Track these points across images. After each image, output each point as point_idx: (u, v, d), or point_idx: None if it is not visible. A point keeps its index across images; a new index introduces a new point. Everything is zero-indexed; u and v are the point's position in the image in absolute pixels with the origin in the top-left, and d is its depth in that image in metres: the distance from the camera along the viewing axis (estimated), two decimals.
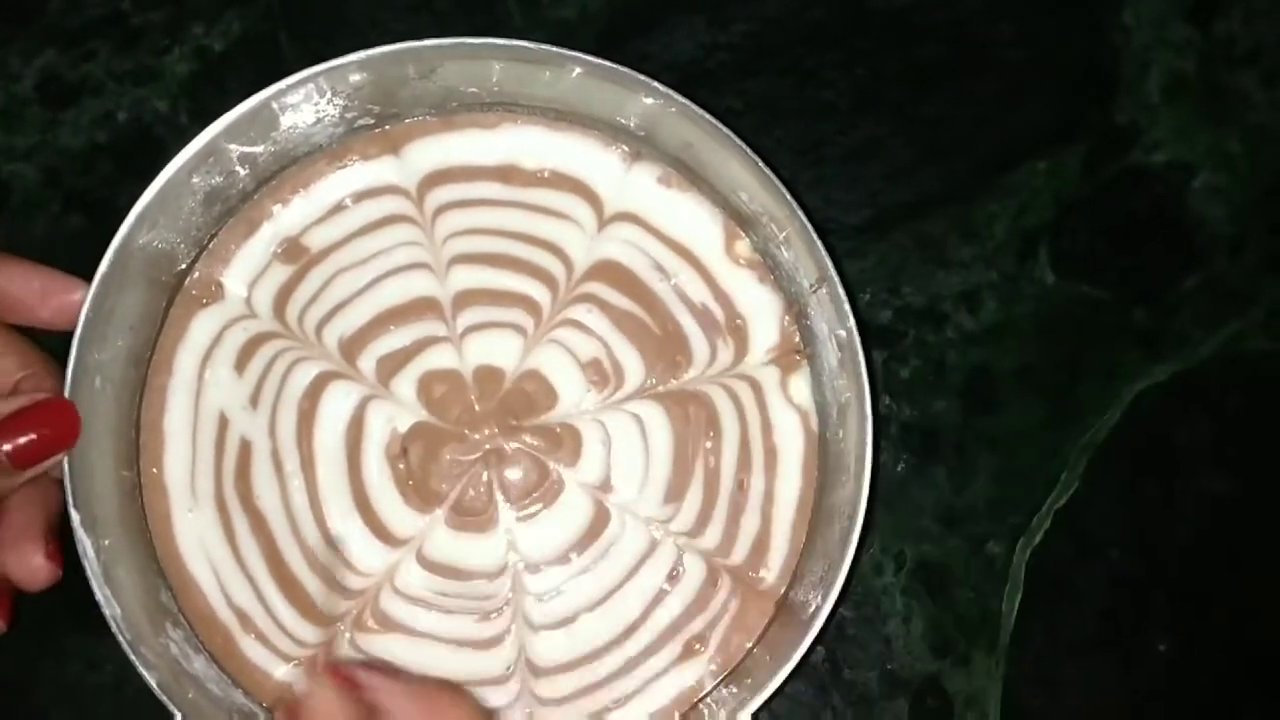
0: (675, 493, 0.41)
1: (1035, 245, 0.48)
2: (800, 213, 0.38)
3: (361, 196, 0.42)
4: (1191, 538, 0.48)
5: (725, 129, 0.39)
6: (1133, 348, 0.48)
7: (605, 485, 0.41)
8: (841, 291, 0.38)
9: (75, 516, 0.37)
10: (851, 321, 0.38)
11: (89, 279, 0.37)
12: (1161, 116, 0.49)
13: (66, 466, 0.37)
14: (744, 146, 0.39)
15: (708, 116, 0.39)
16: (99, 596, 0.37)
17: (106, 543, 0.38)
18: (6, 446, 0.35)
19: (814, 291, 0.40)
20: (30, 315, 0.38)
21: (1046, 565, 0.47)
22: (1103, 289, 0.48)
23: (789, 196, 0.39)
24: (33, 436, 0.36)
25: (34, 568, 0.36)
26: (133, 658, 0.36)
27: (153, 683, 0.36)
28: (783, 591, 0.41)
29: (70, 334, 0.38)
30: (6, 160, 0.45)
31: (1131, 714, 0.47)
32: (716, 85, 0.47)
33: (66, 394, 0.37)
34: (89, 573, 0.37)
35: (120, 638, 0.36)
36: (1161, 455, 0.48)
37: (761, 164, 0.39)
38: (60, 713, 0.44)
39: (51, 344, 0.39)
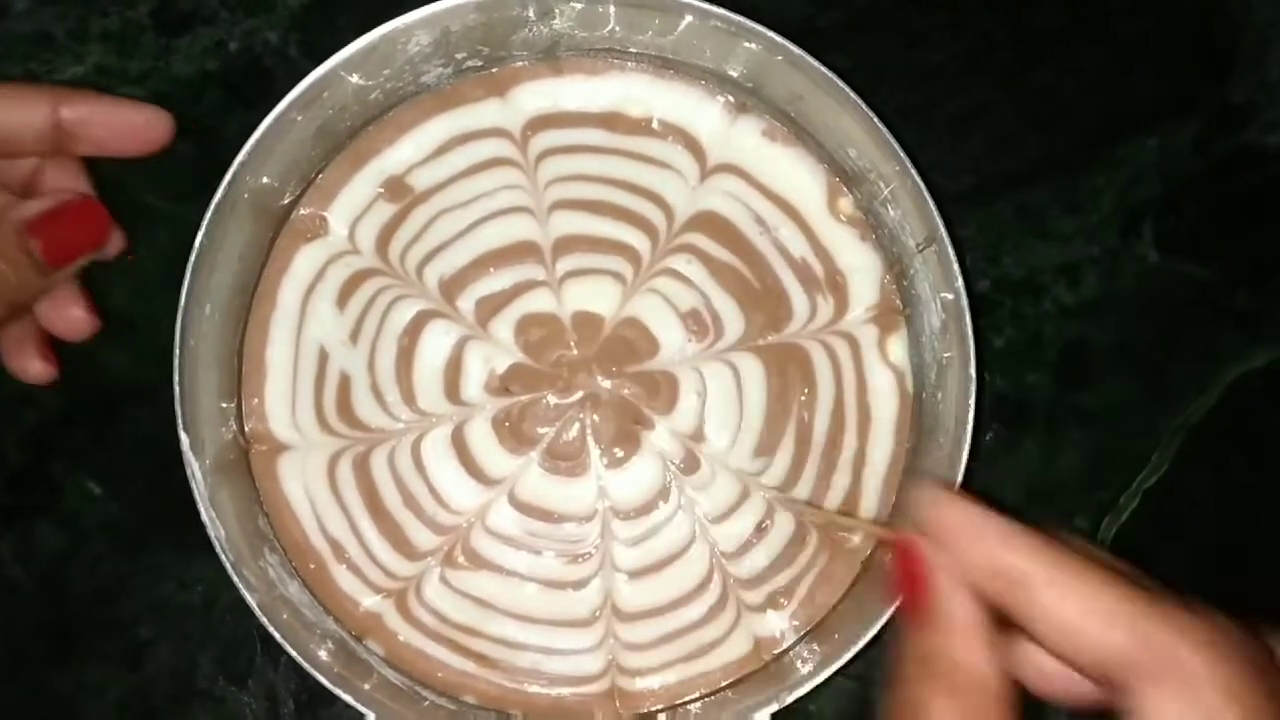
0: (767, 447, 0.41)
1: (1139, 221, 0.47)
2: (912, 169, 0.38)
3: (466, 138, 0.42)
4: None
5: (839, 80, 0.38)
6: (1233, 330, 0.47)
7: (698, 435, 0.41)
8: (951, 252, 0.38)
9: (184, 439, 0.37)
10: (960, 283, 0.38)
11: (197, 206, 0.38)
12: None
13: (177, 390, 0.37)
14: (857, 100, 0.38)
15: (820, 66, 0.39)
16: (205, 518, 0.37)
17: (209, 464, 0.38)
18: (37, 241, 0.36)
19: (920, 251, 0.39)
20: (102, 145, 0.39)
21: (1131, 544, 0.46)
22: (1206, 269, 0.47)
23: (901, 153, 0.38)
24: (64, 236, 0.37)
25: (74, 318, 0.39)
26: (235, 579, 0.37)
27: (253, 604, 0.37)
28: (869, 553, 0.41)
29: (162, 255, 0.38)
30: (120, 84, 0.46)
31: None
32: (824, 43, 0.46)
33: (179, 320, 0.38)
34: (196, 494, 0.37)
35: (224, 558, 0.37)
36: (1255, 440, 0.47)
37: (875, 118, 0.38)
38: (148, 628, 0.45)
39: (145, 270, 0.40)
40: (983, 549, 0.26)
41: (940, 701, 0.25)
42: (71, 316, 0.39)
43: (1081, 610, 0.24)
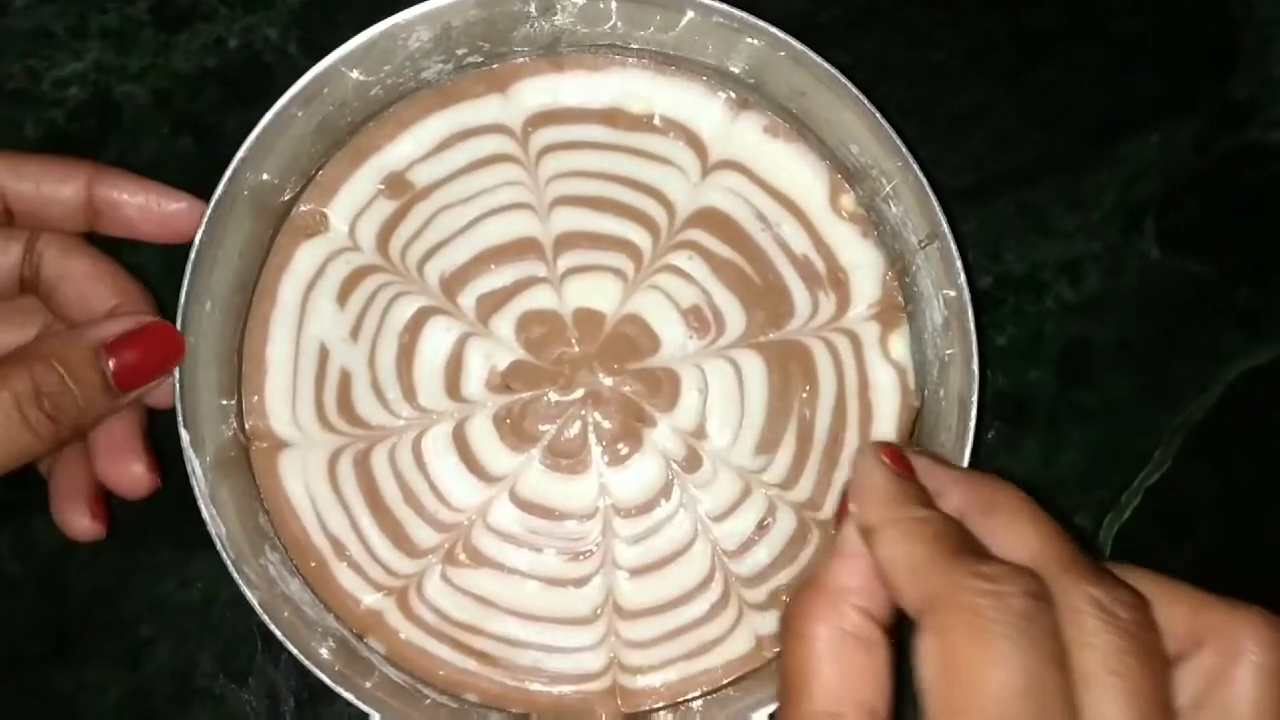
0: (768, 444, 0.41)
1: (1141, 218, 0.47)
2: (915, 166, 0.38)
3: (467, 134, 0.42)
4: None
5: (841, 77, 0.38)
6: (1235, 328, 0.47)
7: (699, 432, 0.41)
8: (954, 249, 0.38)
9: (185, 436, 0.37)
10: (963, 279, 0.38)
11: (199, 200, 0.38)
12: None
13: (177, 388, 0.37)
14: (859, 96, 0.38)
15: (823, 63, 0.38)
16: (205, 515, 0.37)
17: (209, 461, 0.38)
18: (112, 364, 0.36)
19: (922, 248, 0.39)
20: (132, 228, 0.39)
21: (1133, 542, 0.46)
22: (1208, 266, 0.47)
23: (904, 149, 0.38)
24: (139, 358, 0.36)
25: (134, 476, 0.38)
26: (236, 576, 0.37)
27: (255, 601, 0.37)
28: None
29: (166, 255, 0.38)
30: (119, 81, 0.46)
31: None
32: (826, 40, 0.46)
33: (179, 317, 0.37)
34: (197, 492, 0.37)
35: (225, 556, 0.37)
36: (1257, 438, 0.47)
37: (877, 114, 0.38)
38: (148, 626, 0.45)
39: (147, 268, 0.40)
40: (860, 501, 0.29)
41: (810, 609, 0.27)
42: (132, 474, 0.38)
43: (889, 556, 0.27)
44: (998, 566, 0.25)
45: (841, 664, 0.26)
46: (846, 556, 0.27)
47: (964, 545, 0.26)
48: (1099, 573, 0.25)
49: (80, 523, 0.38)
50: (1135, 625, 0.24)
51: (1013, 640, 0.23)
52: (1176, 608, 0.25)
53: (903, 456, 0.30)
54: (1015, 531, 0.27)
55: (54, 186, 0.37)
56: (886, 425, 0.41)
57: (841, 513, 0.29)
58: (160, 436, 0.39)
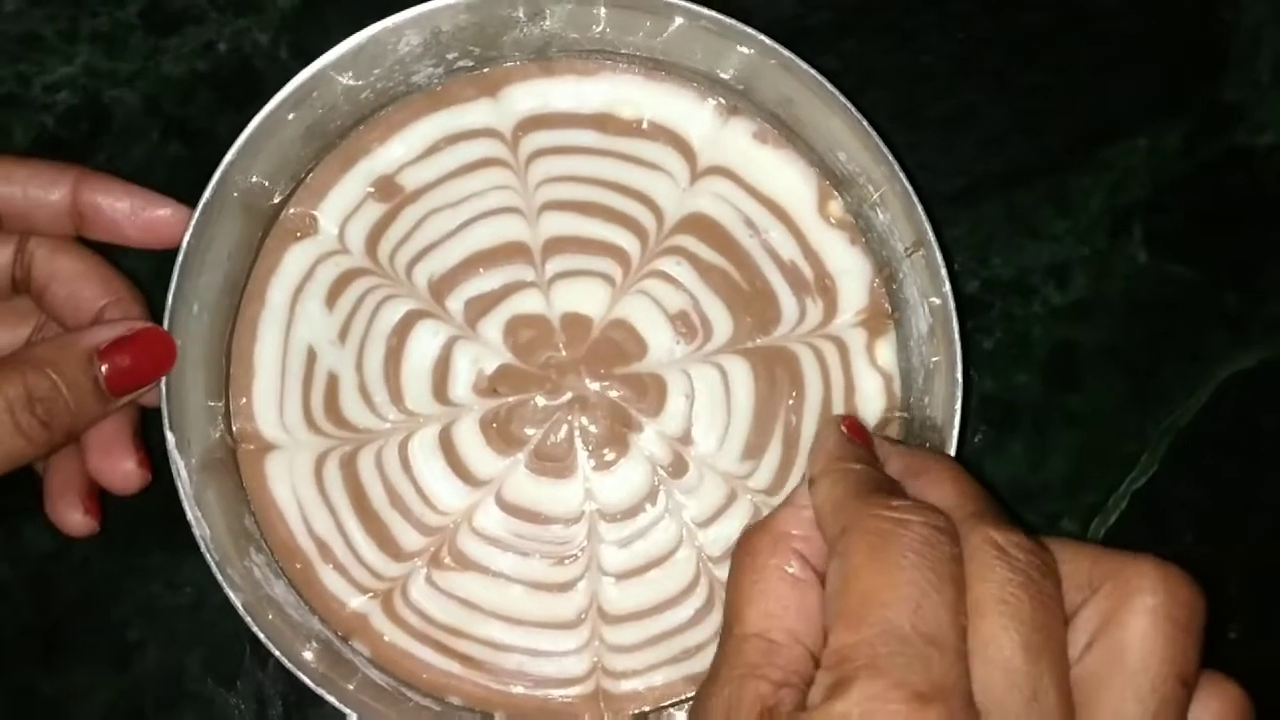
0: (754, 450, 0.41)
1: (1129, 222, 0.47)
2: (901, 174, 0.38)
3: (457, 138, 0.42)
4: (1270, 526, 0.47)
5: (828, 84, 0.38)
6: (1222, 331, 0.48)
7: (685, 438, 0.41)
8: (939, 258, 0.38)
9: (170, 438, 0.37)
10: (947, 288, 0.38)
11: (186, 205, 0.38)
12: (1270, 97, 0.48)
13: (164, 389, 0.37)
14: (847, 104, 0.38)
15: (811, 71, 0.38)
16: (190, 517, 0.37)
17: (195, 462, 0.38)
18: (105, 369, 0.36)
19: (908, 255, 0.39)
20: (119, 233, 0.39)
21: (1120, 546, 0.46)
22: (1196, 270, 0.48)
23: (890, 157, 0.38)
24: (131, 364, 0.36)
25: (126, 472, 0.38)
26: (220, 578, 0.37)
27: (238, 603, 0.37)
28: None
29: (156, 257, 0.38)
30: (110, 85, 0.46)
31: None
32: (815, 44, 0.46)
33: (167, 319, 0.38)
34: (181, 493, 0.37)
35: (208, 558, 0.37)
36: (1245, 442, 0.48)
37: (864, 122, 0.38)
38: (138, 629, 0.45)
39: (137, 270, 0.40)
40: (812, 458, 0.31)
41: (762, 553, 0.29)
42: (123, 470, 0.38)
43: (818, 501, 0.29)
44: (908, 502, 0.27)
45: (776, 597, 0.27)
46: (792, 505, 0.29)
47: (883, 487, 0.28)
48: (1005, 522, 0.27)
49: (73, 518, 0.39)
50: (1029, 565, 0.26)
51: (909, 560, 0.25)
52: (1078, 561, 0.27)
53: (860, 427, 0.32)
54: (938, 486, 0.29)
55: (41, 191, 0.37)
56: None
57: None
58: (153, 435, 0.39)
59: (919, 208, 0.38)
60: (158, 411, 0.38)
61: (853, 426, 0.32)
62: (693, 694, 0.41)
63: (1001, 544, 0.26)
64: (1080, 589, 0.26)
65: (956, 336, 0.38)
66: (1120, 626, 0.25)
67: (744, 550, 0.29)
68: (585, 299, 0.42)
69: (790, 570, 0.28)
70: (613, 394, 0.41)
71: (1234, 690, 0.26)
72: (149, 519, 0.44)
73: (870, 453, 0.31)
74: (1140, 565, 0.26)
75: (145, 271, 0.41)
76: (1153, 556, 0.27)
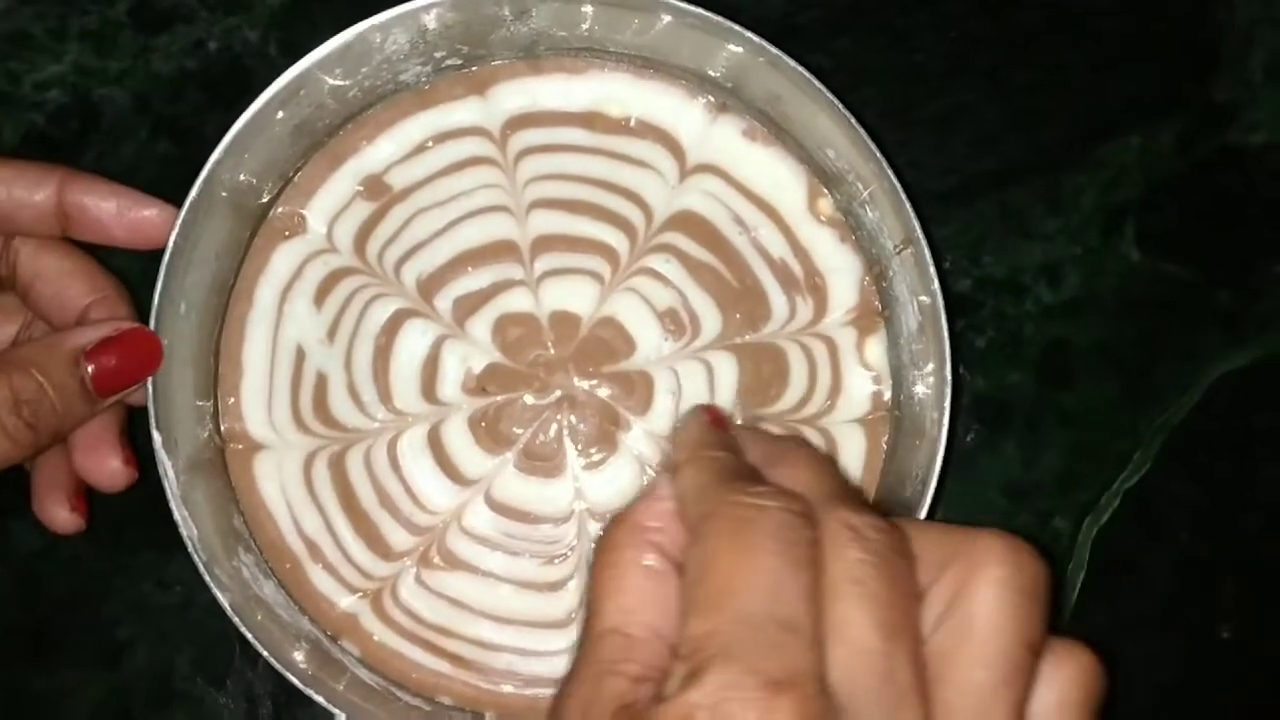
0: None
1: (1122, 221, 0.47)
2: (889, 172, 0.38)
3: (445, 137, 0.42)
4: (1263, 525, 0.47)
5: (816, 82, 0.38)
6: (1215, 330, 0.47)
7: (672, 435, 0.41)
8: (928, 255, 0.38)
9: (157, 438, 0.37)
10: (936, 285, 0.37)
11: (175, 205, 0.38)
12: (1263, 96, 0.48)
13: (150, 389, 0.37)
14: (835, 101, 0.38)
15: (799, 68, 0.38)
16: (177, 517, 0.37)
17: (183, 462, 0.38)
18: (90, 369, 0.36)
19: (897, 253, 0.39)
20: (105, 233, 0.38)
21: (1113, 544, 0.46)
22: (1188, 269, 0.47)
23: (879, 154, 0.38)
24: (117, 364, 0.36)
25: (112, 470, 0.38)
26: (207, 578, 0.37)
27: (226, 604, 0.37)
28: None
29: (144, 256, 0.38)
30: (99, 84, 0.46)
31: (1190, 698, 0.47)
32: (806, 42, 0.46)
33: (153, 318, 0.37)
34: (169, 494, 0.37)
35: (196, 558, 0.37)
36: (1238, 440, 0.47)
37: (853, 120, 0.38)
38: (128, 628, 0.45)
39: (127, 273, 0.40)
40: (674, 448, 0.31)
41: (620, 547, 0.28)
42: (109, 468, 0.38)
43: (682, 487, 0.29)
44: (765, 487, 0.27)
45: (633, 591, 0.27)
46: (650, 497, 0.29)
47: (742, 474, 0.28)
48: (859, 505, 0.27)
49: (60, 515, 0.39)
50: (882, 545, 0.26)
51: (765, 546, 0.25)
52: (928, 539, 0.27)
53: (722, 417, 0.32)
54: (796, 472, 0.29)
55: (26, 191, 0.37)
56: (857, 431, 0.41)
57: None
58: (140, 433, 0.39)
59: (908, 205, 0.38)
60: (145, 410, 0.38)
61: (714, 416, 0.32)
62: None
63: (855, 525, 0.26)
64: (931, 567, 0.26)
65: (945, 334, 0.37)
66: (968, 599, 0.25)
67: (602, 545, 0.29)
68: (574, 297, 0.42)
69: (648, 563, 0.27)
70: (601, 392, 0.41)
71: (1085, 655, 0.26)
72: (138, 517, 0.44)
73: (733, 441, 0.31)
74: (985, 539, 0.26)
75: (133, 270, 0.41)
76: (997, 530, 0.27)
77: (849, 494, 0.28)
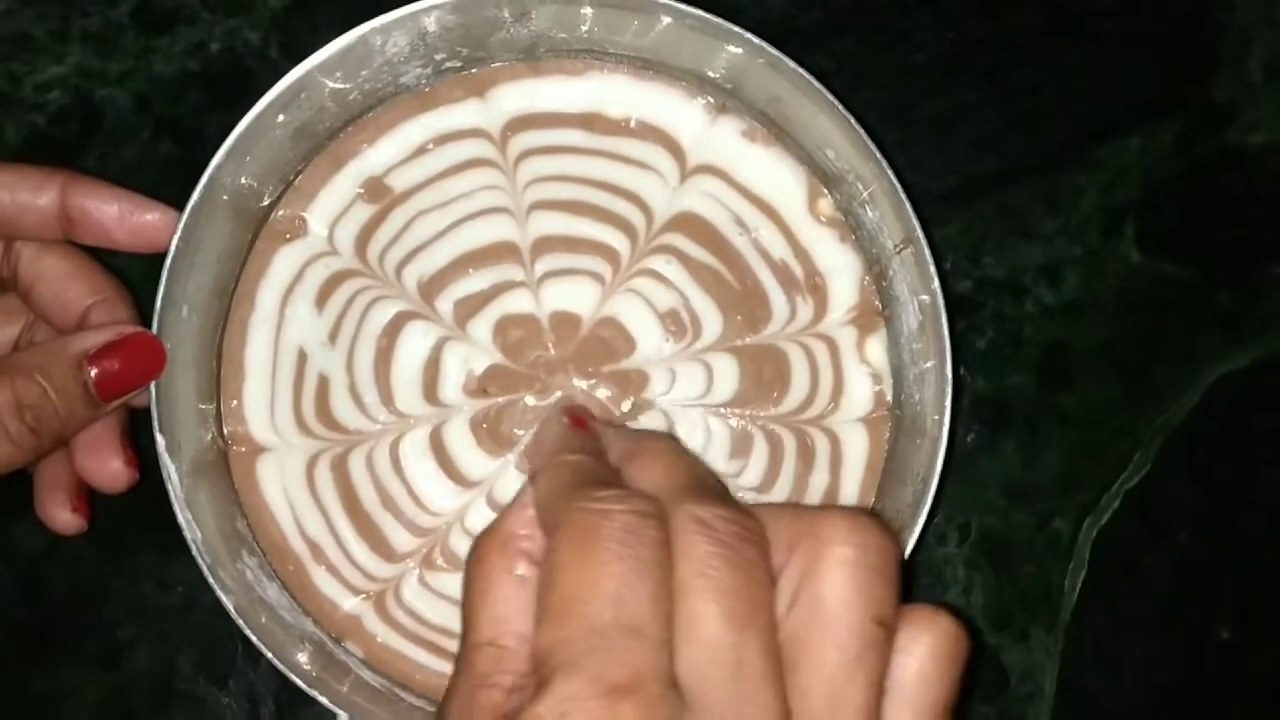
0: (741, 448, 0.41)
1: (1122, 221, 0.47)
2: (889, 171, 0.38)
3: (445, 139, 0.42)
4: (1263, 526, 0.47)
5: (816, 83, 0.38)
6: (1215, 330, 0.48)
7: (671, 437, 0.41)
8: (928, 254, 0.38)
9: (160, 441, 0.37)
10: (936, 284, 0.38)
11: (177, 206, 0.38)
12: (1262, 97, 0.48)
13: (153, 392, 0.37)
14: (834, 102, 0.38)
15: (799, 69, 0.38)
16: (181, 520, 0.37)
17: (186, 465, 0.38)
18: (94, 373, 0.36)
19: (898, 253, 0.39)
20: (107, 237, 0.38)
21: (1113, 545, 0.46)
22: (1188, 269, 0.47)
23: (878, 154, 0.38)
24: (120, 369, 0.36)
25: (113, 471, 0.38)
26: (212, 581, 0.37)
27: (230, 607, 0.37)
28: None
29: (146, 257, 0.38)
30: (100, 85, 0.46)
31: (1190, 699, 0.47)
32: (806, 43, 0.47)
33: (156, 322, 0.37)
34: (173, 497, 0.37)
35: (200, 561, 0.37)
36: (1238, 441, 0.47)
37: (852, 120, 0.38)
38: (129, 628, 0.45)
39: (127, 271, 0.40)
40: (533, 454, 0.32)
41: (490, 557, 0.28)
42: (110, 469, 0.38)
43: (539, 492, 0.29)
44: (614, 491, 0.27)
45: (503, 600, 0.27)
46: (518, 505, 0.29)
47: (595, 478, 0.28)
48: (708, 496, 0.27)
49: (62, 516, 0.39)
50: (730, 535, 0.26)
51: (611, 551, 0.25)
52: (779, 523, 0.27)
53: (583, 418, 0.33)
54: (650, 469, 0.29)
55: (28, 195, 0.37)
56: (858, 428, 0.41)
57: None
58: (142, 435, 0.39)
59: (907, 204, 0.38)
60: (147, 412, 0.38)
61: (574, 418, 0.32)
62: None
63: (703, 518, 0.26)
64: (782, 551, 0.26)
65: (946, 333, 0.38)
66: (816, 581, 0.26)
67: (473, 557, 0.29)
68: (575, 298, 0.42)
69: (519, 571, 0.27)
70: (600, 392, 0.41)
71: (943, 621, 0.26)
72: (140, 518, 0.44)
73: (594, 442, 0.31)
74: (830, 518, 0.26)
75: (135, 272, 0.41)
76: (842, 508, 0.28)
77: (702, 485, 0.28)
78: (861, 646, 0.25)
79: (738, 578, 0.25)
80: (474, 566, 0.28)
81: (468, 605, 0.28)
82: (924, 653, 0.26)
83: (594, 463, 0.30)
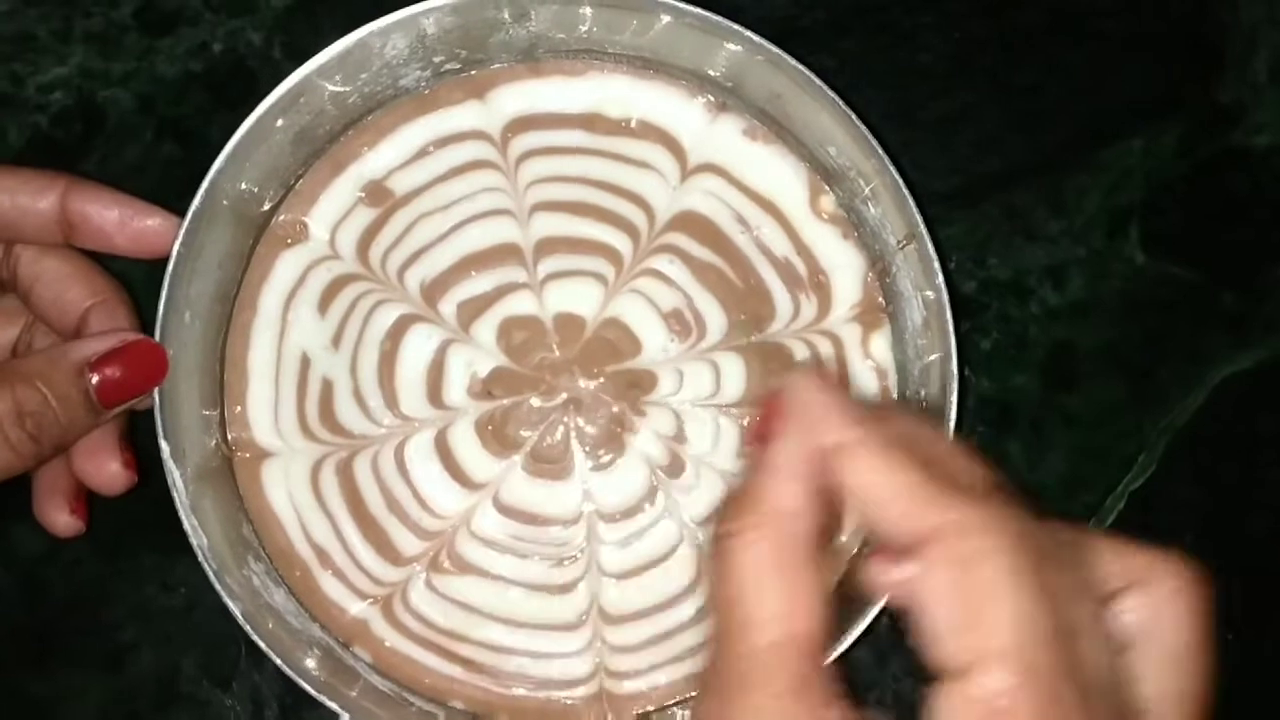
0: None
1: (1126, 223, 0.47)
2: (891, 167, 0.38)
3: (446, 141, 0.42)
4: (1268, 528, 0.47)
5: (816, 79, 0.38)
6: (1220, 332, 0.47)
7: (679, 436, 0.41)
8: (931, 249, 0.38)
9: (165, 448, 0.37)
10: (940, 279, 0.37)
11: (180, 208, 0.38)
12: (1267, 98, 0.48)
13: (157, 398, 0.37)
14: (835, 98, 0.38)
15: (799, 66, 0.38)
16: (187, 526, 0.37)
17: (191, 472, 0.38)
18: (95, 380, 0.36)
19: (900, 249, 0.39)
20: (108, 242, 0.38)
21: None
22: (1192, 271, 0.47)
23: (880, 150, 0.38)
24: (122, 376, 0.36)
25: (111, 474, 0.38)
26: (218, 587, 0.37)
27: (237, 613, 0.37)
28: (855, 549, 0.41)
29: (148, 263, 0.38)
30: (103, 85, 0.46)
31: None
32: (809, 43, 0.46)
33: (158, 328, 0.37)
34: (178, 503, 0.37)
35: (206, 567, 0.37)
36: (1242, 442, 0.47)
37: (853, 116, 0.38)
38: (131, 631, 0.45)
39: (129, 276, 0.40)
40: (817, 421, 0.27)
41: (750, 531, 0.26)
42: (109, 472, 0.38)
43: (876, 482, 0.26)
44: (994, 495, 0.26)
45: (788, 593, 0.25)
46: (784, 478, 0.26)
47: (940, 475, 0.26)
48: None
49: (60, 519, 0.38)
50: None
51: (1055, 582, 0.24)
52: (1105, 552, 0.27)
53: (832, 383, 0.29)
54: (957, 458, 0.28)
55: (29, 199, 0.37)
56: None
57: (762, 431, 0.28)
58: (146, 442, 0.39)
59: (910, 200, 0.38)
60: (148, 415, 0.38)
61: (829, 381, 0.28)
62: (695, 693, 0.40)
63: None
64: (1110, 580, 0.27)
65: (950, 328, 0.37)
66: (1161, 623, 0.27)
67: (738, 539, 0.25)
68: (578, 299, 0.42)
69: (795, 556, 0.25)
70: (605, 394, 0.41)
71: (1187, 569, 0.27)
72: (142, 521, 0.44)
73: (866, 408, 0.28)
74: (1171, 562, 0.27)
75: (137, 277, 0.41)
76: (1179, 553, 0.27)
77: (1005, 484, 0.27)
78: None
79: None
80: (742, 550, 0.26)
81: (735, 595, 0.25)
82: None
83: (919, 450, 0.26)
